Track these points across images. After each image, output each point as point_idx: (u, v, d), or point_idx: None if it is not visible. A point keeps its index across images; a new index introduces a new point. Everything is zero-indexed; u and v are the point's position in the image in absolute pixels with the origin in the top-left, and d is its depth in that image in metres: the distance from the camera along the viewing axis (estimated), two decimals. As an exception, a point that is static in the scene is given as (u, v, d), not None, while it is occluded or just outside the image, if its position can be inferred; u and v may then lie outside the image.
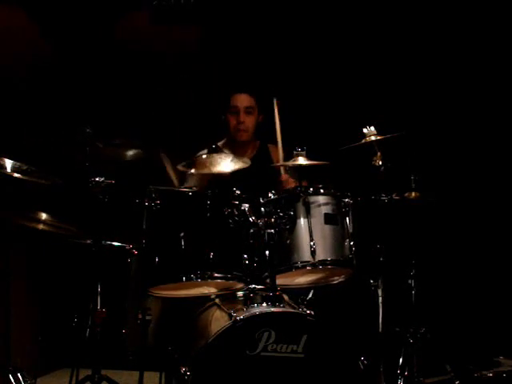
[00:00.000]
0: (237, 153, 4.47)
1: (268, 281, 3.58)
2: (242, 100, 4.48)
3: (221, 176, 3.91)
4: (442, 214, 4.82)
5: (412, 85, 5.16)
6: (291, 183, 4.27)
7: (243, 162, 3.87)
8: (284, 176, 4.32)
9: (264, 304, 3.51)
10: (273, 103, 4.46)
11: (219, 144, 4.49)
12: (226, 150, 4.44)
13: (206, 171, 3.81)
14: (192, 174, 4.22)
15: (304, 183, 3.82)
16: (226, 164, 3.79)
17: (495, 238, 5.03)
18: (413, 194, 4.15)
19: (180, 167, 3.81)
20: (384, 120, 4.05)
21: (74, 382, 3.76)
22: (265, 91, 4.62)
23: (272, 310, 3.46)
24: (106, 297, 3.67)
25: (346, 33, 5.30)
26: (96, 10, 5.43)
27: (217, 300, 3.81)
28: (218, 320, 3.57)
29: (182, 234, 3.54)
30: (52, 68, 5.35)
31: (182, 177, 4.22)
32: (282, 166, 4.39)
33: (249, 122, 4.48)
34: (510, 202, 5.05)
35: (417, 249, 4.19)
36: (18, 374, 3.62)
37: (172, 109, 5.47)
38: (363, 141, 3.97)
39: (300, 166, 3.79)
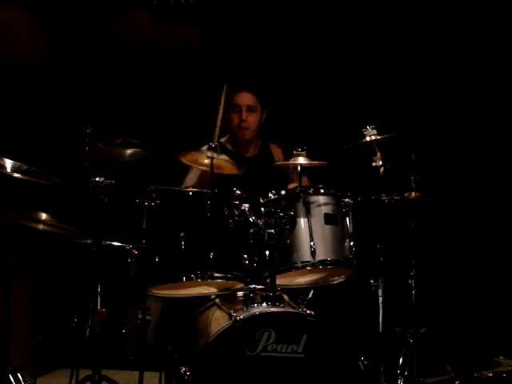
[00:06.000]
0: (239, 151, 4.47)
1: (268, 281, 3.58)
2: (245, 98, 4.42)
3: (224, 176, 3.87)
4: (441, 214, 4.82)
5: (412, 85, 5.16)
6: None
7: (237, 169, 3.82)
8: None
9: (264, 304, 3.51)
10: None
11: (222, 140, 4.49)
12: (228, 147, 4.44)
13: (201, 167, 3.79)
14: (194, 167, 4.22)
15: (305, 181, 3.82)
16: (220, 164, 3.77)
17: (495, 238, 5.03)
18: (413, 193, 4.15)
19: (183, 160, 3.79)
20: (384, 120, 4.05)
21: (74, 381, 3.76)
22: (268, 89, 4.58)
23: (272, 310, 3.46)
24: (106, 297, 3.67)
25: (346, 32, 5.30)
26: (96, 10, 5.43)
27: (217, 300, 3.81)
28: (218, 320, 3.57)
29: (182, 234, 3.53)
30: (52, 68, 5.36)
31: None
32: (283, 165, 4.40)
33: (251, 120, 4.42)
34: (510, 202, 5.05)
35: (417, 249, 4.19)
36: (18, 374, 3.62)
37: (172, 108, 5.47)
38: (363, 140, 3.96)
39: (300, 165, 3.79)
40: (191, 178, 4.38)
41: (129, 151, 3.87)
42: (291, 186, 4.22)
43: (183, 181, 4.41)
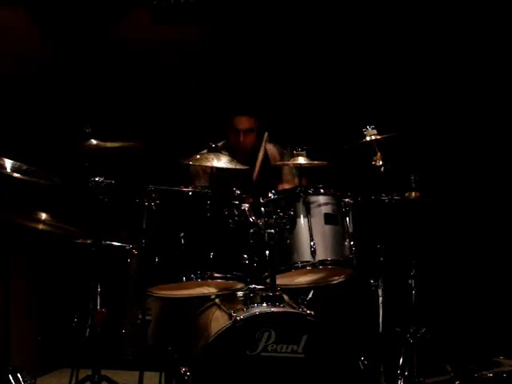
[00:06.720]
0: (235, 155, 4.48)
1: (268, 281, 3.58)
2: (243, 123, 4.50)
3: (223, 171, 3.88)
4: (442, 213, 4.82)
5: (412, 85, 5.16)
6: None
7: (240, 165, 3.86)
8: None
9: (264, 304, 3.51)
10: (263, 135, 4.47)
11: (219, 145, 4.51)
12: (224, 152, 4.46)
13: (204, 164, 3.80)
14: (204, 172, 4.24)
15: (304, 182, 3.83)
16: (222, 164, 3.78)
17: (495, 238, 5.03)
18: (413, 193, 4.15)
19: (181, 161, 3.80)
20: (384, 120, 4.05)
21: (74, 382, 3.76)
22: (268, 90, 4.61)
23: (272, 310, 3.46)
24: (106, 297, 3.67)
25: (346, 32, 5.30)
26: (96, 10, 5.43)
27: (217, 300, 3.81)
28: (218, 320, 3.57)
29: (182, 234, 3.54)
30: (52, 68, 5.36)
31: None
32: (283, 165, 4.42)
33: (248, 140, 4.52)
34: (510, 202, 5.05)
35: (417, 249, 4.19)
36: (18, 374, 3.61)
37: (172, 108, 5.48)
38: (363, 140, 3.97)
39: (300, 165, 3.79)
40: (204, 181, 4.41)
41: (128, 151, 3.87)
42: (282, 186, 4.28)
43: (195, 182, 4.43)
